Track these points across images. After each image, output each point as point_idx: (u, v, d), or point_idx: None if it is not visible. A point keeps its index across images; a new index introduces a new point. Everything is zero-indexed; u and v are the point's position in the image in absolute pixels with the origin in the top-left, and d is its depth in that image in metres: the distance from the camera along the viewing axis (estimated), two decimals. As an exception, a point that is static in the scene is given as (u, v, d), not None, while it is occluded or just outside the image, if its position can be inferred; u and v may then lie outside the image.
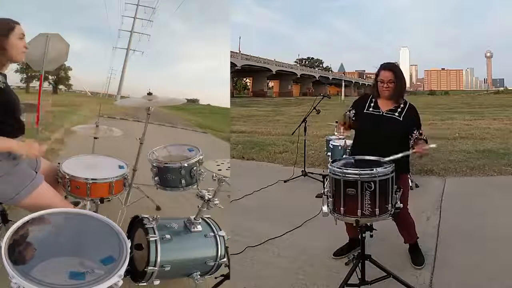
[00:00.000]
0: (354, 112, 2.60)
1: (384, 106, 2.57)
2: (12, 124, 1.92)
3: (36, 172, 2.05)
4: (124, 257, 1.40)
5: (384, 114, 2.55)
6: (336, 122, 5.40)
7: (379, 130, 2.50)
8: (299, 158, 5.30)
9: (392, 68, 2.55)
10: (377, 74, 2.58)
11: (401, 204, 2.15)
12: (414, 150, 2.32)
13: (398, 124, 2.49)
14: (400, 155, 2.28)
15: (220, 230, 2.33)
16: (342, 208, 2.08)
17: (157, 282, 2.08)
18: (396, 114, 2.52)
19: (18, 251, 1.31)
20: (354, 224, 2.12)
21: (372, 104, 2.61)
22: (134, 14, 39.95)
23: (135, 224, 2.29)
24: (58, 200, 2.02)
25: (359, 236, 2.23)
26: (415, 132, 2.45)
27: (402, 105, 2.55)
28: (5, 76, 1.95)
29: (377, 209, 2.03)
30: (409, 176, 3.10)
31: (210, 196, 2.27)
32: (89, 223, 1.60)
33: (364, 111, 2.60)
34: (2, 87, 1.87)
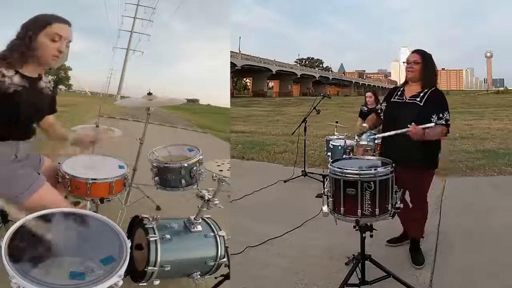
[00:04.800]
0: (384, 104, 2.65)
1: (409, 92, 2.53)
2: (23, 128, 1.92)
3: (39, 173, 2.06)
4: (124, 257, 1.40)
5: (407, 100, 2.50)
6: (336, 122, 5.41)
7: (400, 117, 2.44)
8: (299, 158, 5.31)
9: (421, 51, 2.52)
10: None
11: (401, 204, 2.15)
12: (407, 129, 2.25)
13: (419, 109, 2.42)
14: (392, 132, 2.30)
15: (220, 230, 2.32)
16: (342, 208, 2.08)
17: (157, 282, 2.08)
18: (418, 99, 2.46)
19: (18, 251, 1.31)
20: (354, 224, 2.12)
21: (399, 93, 2.59)
22: (134, 14, 39.87)
23: (135, 224, 2.28)
24: (60, 202, 2.02)
25: (361, 236, 2.23)
26: (433, 116, 2.39)
27: (426, 90, 2.47)
28: (32, 78, 1.86)
29: (377, 209, 2.04)
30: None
31: (210, 196, 2.27)
32: (89, 223, 1.60)
33: (391, 100, 2.60)
34: (13, 90, 1.77)
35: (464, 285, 2.46)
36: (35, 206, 1.84)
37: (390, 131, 2.49)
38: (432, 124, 2.30)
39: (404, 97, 2.54)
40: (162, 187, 2.69)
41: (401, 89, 2.60)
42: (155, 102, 2.80)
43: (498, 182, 4.78)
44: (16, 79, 1.80)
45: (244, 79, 60.60)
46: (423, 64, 2.47)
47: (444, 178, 4.83)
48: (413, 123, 2.25)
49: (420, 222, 2.71)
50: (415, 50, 2.55)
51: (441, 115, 2.41)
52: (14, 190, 1.86)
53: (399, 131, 2.29)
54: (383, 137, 2.65)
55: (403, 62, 2.57)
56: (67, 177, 2.33)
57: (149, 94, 2.81)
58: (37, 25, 1.79)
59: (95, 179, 2.36)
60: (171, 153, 2.83)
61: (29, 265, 1.27)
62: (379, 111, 2.72)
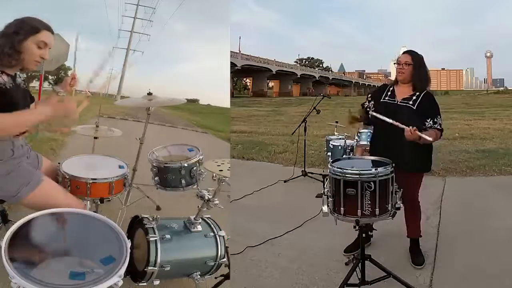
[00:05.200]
0: (372, 103, 2.60)
1: (400, 94, 2.51)
2: None
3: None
4: (124, 257, 1.40)
5: (399, 103, 2.48)
6: (336, 122, 5.40)
7: (393, 119, 2.39)
8: (299, 158, 5.30)
9: (412, 52, 2.50)
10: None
11: (401, 204, 2.16)
12: (404, 127, 2.21)
13: (412, 113, 2.41)
14: (389, 120, 2.26)
15: (220, 230, 2.32)
16: (342, 208, 2.08)
17: (157, 282, 2.08)
18: (411, 102, 2.45)
19: (18, 251, 1.31)
20: (354, 224, 2.12)
21: (389, 93, 2.55)
22: (134, 14, 40.00)
23: (135, 224, 2.29)
24: (62, 195, 2.02)
25: (360, 236, 2.23)
26: (428, 121, 2.38)
27: (418, 93, 2.46)
28: (13, 76, 1.90)
29: (377, 209, 2.03)
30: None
31: (210, 196, 2.27)
32: (89, 223, 1.60)
33: (381, 100, 2.56)
34: (9, 87, 1.82)
35: (464, 285, 2.46)
36: (35, 203, 1.85)
37: (384, 132, 2.49)
38: (430, 139, 2.23)
39: (395, 99, 2.51)
40: (162, 187, 2.69)
41: (391, 89, 2.57)
42: (155, 102, 2.80)
43: (498, 182, 4.78)
44: (5, 78, 1.83)
45: (244, 79, 60.62)
46: (414, 66, 2.46)
47: (444, 178, 4.83)
48: (414, 128, 2.20)
49: (415, 222, 2.73)
50: (406, 51, 2.52)
51: (435, 120, 2.41)
52: (13, 187, 1.86)
53: (399, 125, 2.23)
54: (374, 139, 2.66)
55: (394, 63, 2.54)
56: (67, 177, 2.33)
57: (149, 94, 2.81)
58: (27, 30, 1.82)
59: (95, 179, 2.36)
60: (171, 153, 2.83)
61: (29, 265, 1.27)
62: (367, 109, 2.65)
